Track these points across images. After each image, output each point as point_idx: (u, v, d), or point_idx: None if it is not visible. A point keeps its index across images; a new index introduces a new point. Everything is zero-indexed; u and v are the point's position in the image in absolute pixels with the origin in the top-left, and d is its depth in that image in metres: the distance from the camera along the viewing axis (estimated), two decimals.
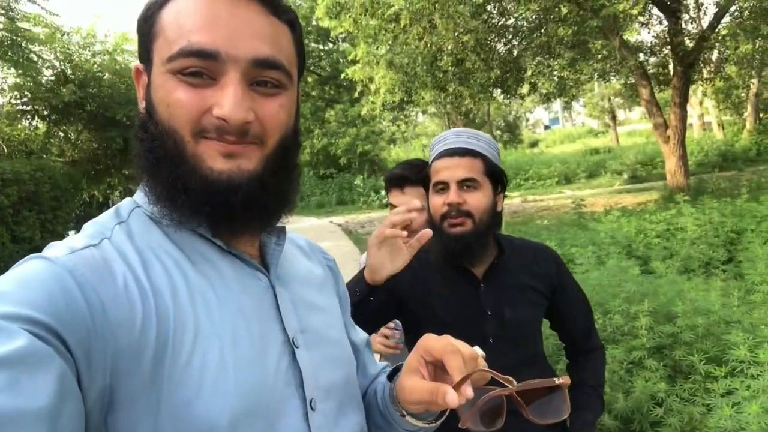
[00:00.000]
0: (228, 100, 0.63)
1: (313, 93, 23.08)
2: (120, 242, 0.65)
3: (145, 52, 0.69)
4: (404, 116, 21.43)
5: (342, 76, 14.66)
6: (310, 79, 23.33)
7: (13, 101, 11.69)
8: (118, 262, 0.62)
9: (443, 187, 1.47)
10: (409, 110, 20.35)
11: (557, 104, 39.47)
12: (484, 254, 1.52)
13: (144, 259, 0.64)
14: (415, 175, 1.94)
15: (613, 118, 29.79)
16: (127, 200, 0.73)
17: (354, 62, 13.04)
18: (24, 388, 0.46)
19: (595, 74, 12.13)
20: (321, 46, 23.03)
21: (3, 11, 10.55)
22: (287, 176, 0.73)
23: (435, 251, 1.53)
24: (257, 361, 0.66)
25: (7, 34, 10.57)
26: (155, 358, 0.59)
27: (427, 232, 1.18)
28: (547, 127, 54.47)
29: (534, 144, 37.85)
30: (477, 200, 1.45)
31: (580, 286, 1.68)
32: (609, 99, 27.97)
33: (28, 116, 12.15)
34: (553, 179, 19.34)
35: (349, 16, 10.71)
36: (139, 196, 0.73)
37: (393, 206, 2.01)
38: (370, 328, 1.58)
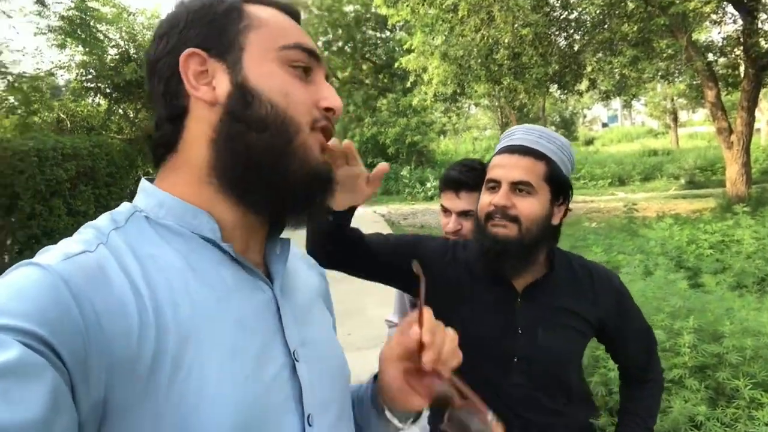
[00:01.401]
0: (333, 93, 0.74)
1: (367, 81, 23.09)
2: (117, 248, 0.63)
3: (226, 41, 0.70)
4: (456, 108, 21.17)
5: (396, 65, 14.59)
6: (365, 67, 23.35)
7: (79, 78, 12.19)
8: (115, 269, 0.60)
9: (495, 185, 1.33)
10: (461, 102, 20.12)
11: (617, 102, 38.24)
12: (527, 268, 1.36)
13: (143, 267, 0.62)
14: (472, 180, 1.83)
15: (675, 119, 28.64)
16: (125, 205, 0.71)
17: (409, 51, 12.96)
18: (16, 399, 0.46)
19: (658, 74, 11.60)
20: (378, 34, 22.93)
21: None
22: None
23: (475, 253, 1.41)
24: (257, 376, 0.65)
25: (77, 13, 11.04)
26: (151, 370, 0.58)
27: (383, 166, 1.16)
28: (605, 125, 52.88)
29: (590, 142, 36.87)
30: (528, 207, 1.29)
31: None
32: (672, 99, 26.87)
33: (92, 93, 12.64)
34: (606, 180, 18.76)
35: (407, 5, 10.64)
36: (144, 199, 0.71)
37: (445, 209, 1.92)
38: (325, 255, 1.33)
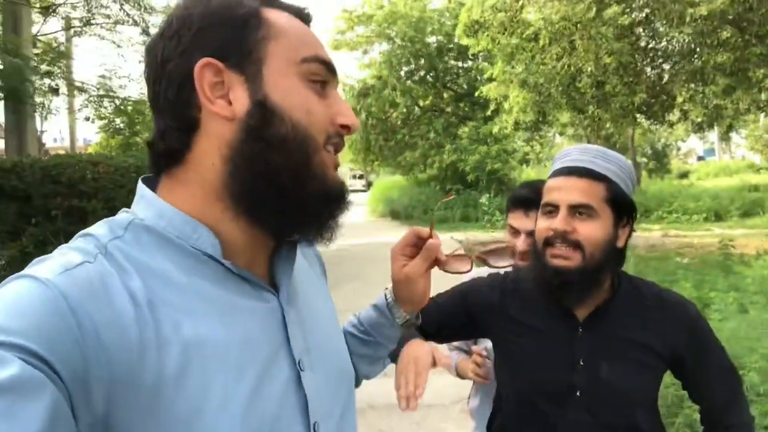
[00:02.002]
0: (349, 109, 0.71)
1: (448, 109, 23.16)
2: (116, 259, 0.60)
3: (245, 51, 0.66)
4: (539, 136, 20.73)
5: (477, 93, 14.57)
6: (446, 95, 23.46)
7: None
8: (116, 281, 0.57)
9: (552, 209, 1.26)
10: (545, 131, 19.67)
11: (714, 134, 36.01)
12: (590, 295, 1.28)
13: (143, 280, 0.60)
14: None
15: None
16: (123, 215, 0.67)
17: (490, 80, 12.93)
18: (16, 416, 0.45)
19: (753, 105, 10.73)
20: (460, 63, 23.05)
21: None
22: None
23: (533, 281, 1.34)
24: (262, 392, 0.64)
25: None
26: (154, 386, 0.56)
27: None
28: (700, 158, 49.87)
29: (684, 175, 34.72)
30: (590, 231, 1.21)
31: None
32: None
33: None
34: (701, 215, 17.58)
35: (487, 35, 10.66)
36: (144, 208, 0.67)
37: (513, 228, 1.87)
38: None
